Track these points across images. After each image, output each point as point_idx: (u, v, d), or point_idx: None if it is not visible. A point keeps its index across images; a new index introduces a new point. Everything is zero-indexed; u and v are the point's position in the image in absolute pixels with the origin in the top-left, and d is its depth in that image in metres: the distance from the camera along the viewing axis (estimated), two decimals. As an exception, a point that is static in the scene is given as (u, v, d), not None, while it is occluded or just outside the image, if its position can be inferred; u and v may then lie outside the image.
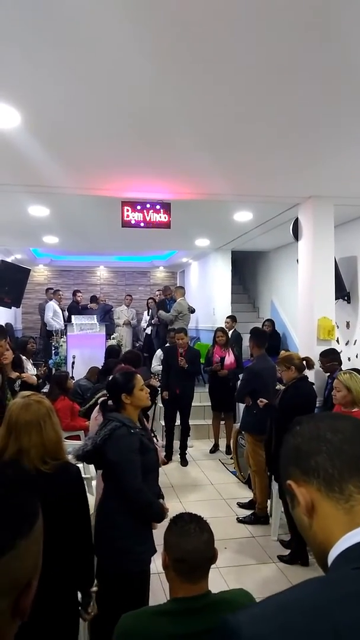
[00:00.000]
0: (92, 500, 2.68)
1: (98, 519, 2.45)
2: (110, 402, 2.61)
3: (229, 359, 6.55)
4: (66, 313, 9.83)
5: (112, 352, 6.06)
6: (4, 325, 9.06)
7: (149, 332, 9.82)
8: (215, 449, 6.78)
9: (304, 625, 0.59)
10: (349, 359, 6.27)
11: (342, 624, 0.57)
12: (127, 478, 2.34)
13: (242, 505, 4.87)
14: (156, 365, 7.40)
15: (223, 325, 7.66)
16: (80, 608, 2.00)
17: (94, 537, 2.32)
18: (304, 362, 4.00)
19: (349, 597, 0.60)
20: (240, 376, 6.48)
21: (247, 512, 4.69)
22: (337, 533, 0.70)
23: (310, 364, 4.10)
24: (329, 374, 4.91)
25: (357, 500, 0.71)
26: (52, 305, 9.59)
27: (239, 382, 6.06)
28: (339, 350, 5.15)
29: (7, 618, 0.65)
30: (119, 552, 2.27)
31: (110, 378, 2.83)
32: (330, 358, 4.90)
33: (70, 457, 2.13)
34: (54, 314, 9.46)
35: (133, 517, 2.37)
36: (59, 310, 9.64)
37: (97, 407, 3.17)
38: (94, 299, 10.41)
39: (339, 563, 0.67)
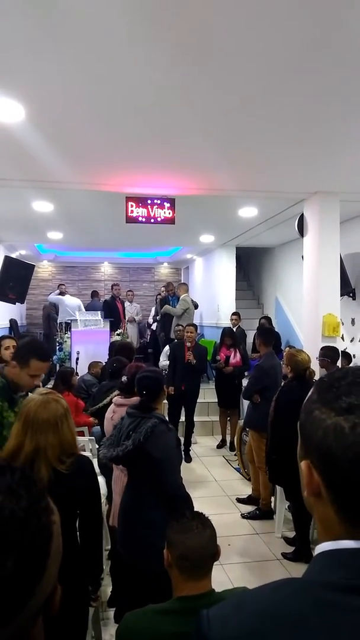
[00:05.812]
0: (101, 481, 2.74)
1: (127, 517, 2.43)
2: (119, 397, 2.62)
3: (235, 358, 6.61)
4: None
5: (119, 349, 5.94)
6: (8, 321, 9.11)
7: (155, 328, 9.76)
8: (222, 444, 6.84)
9: (277, 635, 0.58)
10: (353, 356, 6.23)
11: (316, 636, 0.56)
12: (170, 474, 2.35)
13: (241, 501, 4.88)
14: (163, 361, 7.41)
15: (229, 322, 7.64)
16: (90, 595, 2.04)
17: (122, 534, 2.40)
18: (307, 373, 3.85)
19: (328, 608, 0.57)
20: (246, 374, 6.49)
21: (248, 508, 4.68)
22: (332, 533, 0.65)
23: (311, 377, 3.98)
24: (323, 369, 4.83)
25: None
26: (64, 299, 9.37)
27: (244, 380, 6.05)
28: (343, 347, 5.10)
29: (40, 623, 0.65)
30: (154, 550, 2.07)
31: (139, 377, 2.63)
32: (321, 353, 4.78)
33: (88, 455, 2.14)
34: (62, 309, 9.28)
35: (167, 516, 2.32)
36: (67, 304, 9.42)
37: (112, 406, 3.12)
38: (95, 294, 10.41)
39: (323, 561, 0.64)
